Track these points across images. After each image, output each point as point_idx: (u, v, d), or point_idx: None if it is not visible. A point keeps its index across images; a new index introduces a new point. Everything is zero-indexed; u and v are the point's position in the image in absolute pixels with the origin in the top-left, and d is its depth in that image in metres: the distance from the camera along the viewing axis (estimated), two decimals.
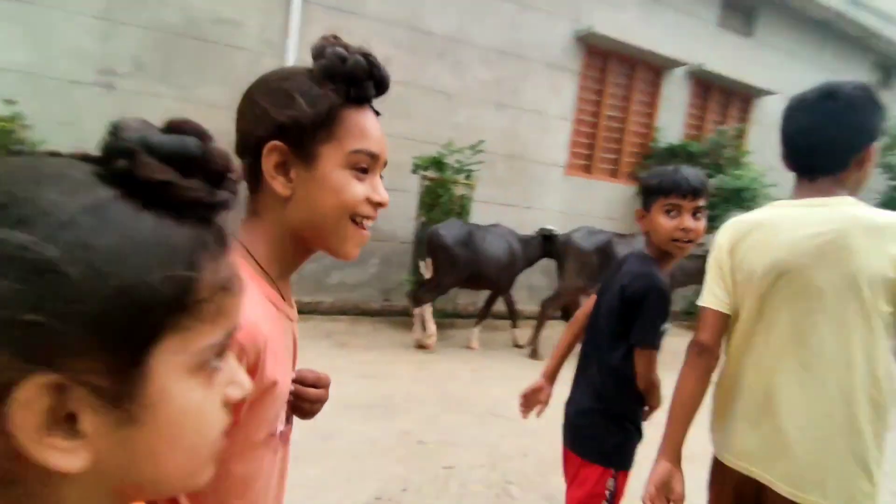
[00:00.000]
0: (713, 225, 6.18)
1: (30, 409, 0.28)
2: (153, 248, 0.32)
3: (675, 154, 7.17)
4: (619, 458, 1.53)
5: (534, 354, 5.10)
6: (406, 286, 5.61)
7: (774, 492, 1.20)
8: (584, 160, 7.23)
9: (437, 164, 5.42)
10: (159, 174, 0.32)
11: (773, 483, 1.21)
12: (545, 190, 6.88)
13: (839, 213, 1.17)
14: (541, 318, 5.25)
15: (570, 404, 1.69)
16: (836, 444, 1.15)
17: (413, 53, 5.84)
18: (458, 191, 5.54)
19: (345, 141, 0.68)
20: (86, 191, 0.31)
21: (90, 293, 0.29)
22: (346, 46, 0.69)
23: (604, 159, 7.35)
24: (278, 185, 0.67)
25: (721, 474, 1.36)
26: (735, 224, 1.35)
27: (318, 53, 0.68)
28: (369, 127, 0.70)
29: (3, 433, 0.28)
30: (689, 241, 1.51)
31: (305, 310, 5.53)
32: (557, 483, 2.80)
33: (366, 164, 0.70)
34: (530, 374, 5.00)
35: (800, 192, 1.28)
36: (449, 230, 4.96)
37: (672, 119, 7.66)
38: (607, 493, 1.49)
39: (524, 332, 5.52)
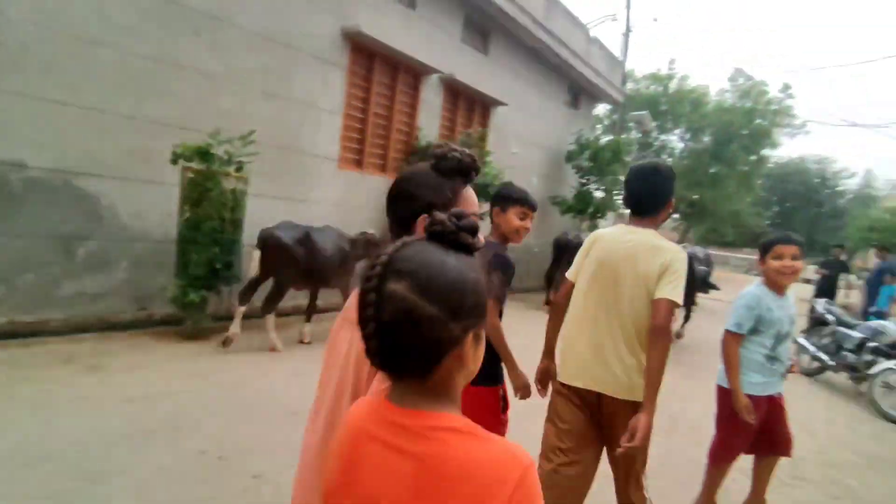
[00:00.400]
0: None
1: (469, 342, 0.70)
2: (481, 275, 0.73)
3: None
4: (500, 377, 2.22)
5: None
6: (170, 291, 4.95)
7: (606, 395, 2.03)
8: (355, 154, 7.48)
9: (203, 154, 4.91)
10: (471, 240, 0.73)
11: (605, 390, 2.03)
12: (319, 183, 6.89)
13: (641, 237, 2.06)
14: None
15: None
16: (629, 361, 2.01)
17: (163, 26, 5.11)
18: (229, 184, 5.14)
19: (462, 208, 1.05)
20: (464, 258, 0.72)
21: (479, 297, 0.71)
22: (455, 149, 1.12)
23: (373, 154, 7.73)
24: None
25: (566, 393, 2.15)
26: (596, 232, 2.27)
27: (443, 156, 1.10)
28: (472, 196, 1.13)
29: (458, 356, 0.70)
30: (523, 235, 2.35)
31: (25, 332, 4.40)
32: None
33: None
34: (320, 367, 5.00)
35: (630, 222, 2.17)
36: (286, 231, 5.06)
37: (430, 120, 8.52)
38: (501, 400, 2.18)
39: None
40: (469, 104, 9.38)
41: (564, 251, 8.58)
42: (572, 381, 2.12)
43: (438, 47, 8.31)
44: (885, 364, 5.44)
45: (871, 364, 5.65)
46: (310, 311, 5.55)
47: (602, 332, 2.05)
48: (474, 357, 0.74)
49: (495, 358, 2.23)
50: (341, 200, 7.18)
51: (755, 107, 20.74)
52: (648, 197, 2.11)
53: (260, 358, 4.69)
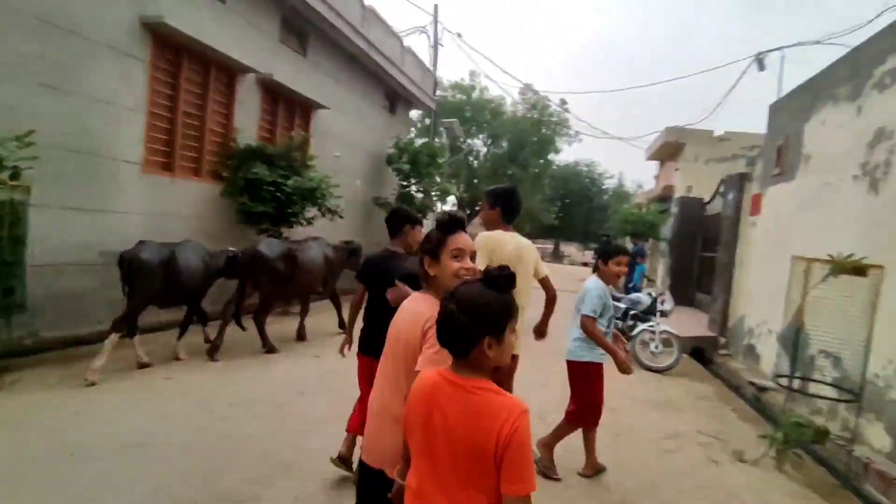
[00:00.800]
0: (296, 220, 7.28)
1: (486, 342, 1.25)
2: (505, 305, 1.30)
3: (256, 155, 7.65)
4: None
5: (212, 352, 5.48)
6: None
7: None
8: (164, 157, 6.75)
9: None
10: (504, 284, 1.31)
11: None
12: (120, 190, 6.06)
13: (517, 239, 2.99)
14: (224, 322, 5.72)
15: (370, 337, 2.94)
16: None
17: None
18: (3, 194, 4.26)
19: (448, 247, 1.68)
20: (491, 293, 1.29)
21: (496, 315, 1.27)
22: (446, 213, 1.89)
23: (185, 157, 7.06)
24: (430, 271, 1.71)
25: None
26: (488, 235, 2.97)
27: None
28: (457, 239, 1.70)
29: (481, 349, 1.25)
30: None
31: None
32: (230, 483, 2.91)
33: (458, 254, 1.68)
34: (155, 394, 4.65)
35: (505, 228, 3.02)
36: (148, 251, 4.91)
37: (248, 121, 8.10)
38: None
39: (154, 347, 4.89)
40: (289, 106, 9.16)
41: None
42: None
43: (254, 46, 7.95)
44: (641, 326, 7.07)
45: (633, 328, 7.29)
46: (202, 320, 5.68)
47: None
48: (495, 352, 1.27)
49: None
50: (149, 209, 6.43)
51: (541, 118, 24.14)
52: (517, 210, 3.06)
53: (70, 393, 4.04)
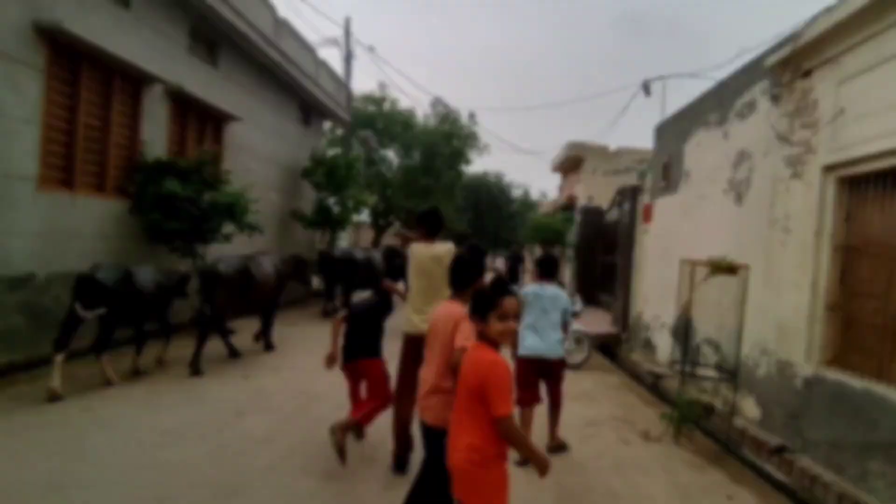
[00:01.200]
0: (212, 237, 7.30)
1: (482, 322, 2.11)
2: (491, 296, 2.10)
3: (166, 170, 7.28)
4: (380, 352, 3.88)
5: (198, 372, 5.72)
6: None
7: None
8: (63, 173, 6.24)
9: None
10: (498, 287, 2.11)
11: (424, 332, 3.10)
12: (12, 209, 5.53)
13: (435, 246, 3.62)
14: (201, 338, 5.91)
15: (354, 344, 3.87)
16: (430, 310, 3.30)
17: None
18: None
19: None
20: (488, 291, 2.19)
21: (486, 305, 2.07)
22: (473, 244, 3.09)
23: (87, 172, 6.57)
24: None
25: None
26: (413, 246, 3.66)
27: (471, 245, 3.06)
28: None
29: (479, 326, 2.10)
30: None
31: None
32: None
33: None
34: (76, 428, 4.43)
35: (428, 241, 3.67)
36: (107, 273, 5.06)
37: (156, 134, 7.69)
38: (384, 368, 3.85)
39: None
40: (200, 118, 8.80)
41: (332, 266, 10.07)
42: (415, 329, 3.49)
43: (161, 55, 7.59)
44: None
45: None
46: (141, 342, 5.76)
47: (426, 300, 3.52)
48: (490, 331, 2.03)
49: (379, 342, 3.88)
50: (47, 228, 5.92)
51: (452, 131, 24.92)
52: (436, 226, 3.67)
53: None
